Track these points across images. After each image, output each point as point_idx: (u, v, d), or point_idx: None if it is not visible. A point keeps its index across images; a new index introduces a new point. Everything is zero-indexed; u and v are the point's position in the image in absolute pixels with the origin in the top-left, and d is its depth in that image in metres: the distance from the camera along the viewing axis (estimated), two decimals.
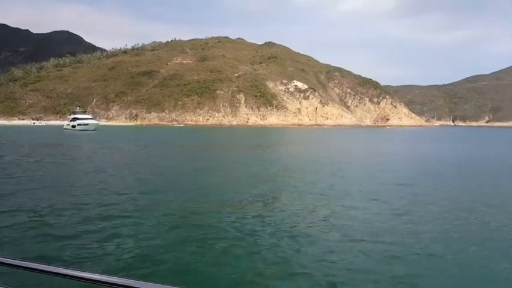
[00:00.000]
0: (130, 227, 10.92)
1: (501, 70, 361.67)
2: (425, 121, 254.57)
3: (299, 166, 26.43)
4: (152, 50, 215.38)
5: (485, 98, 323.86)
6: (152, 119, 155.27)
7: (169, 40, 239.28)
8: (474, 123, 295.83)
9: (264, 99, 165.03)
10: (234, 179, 20.22)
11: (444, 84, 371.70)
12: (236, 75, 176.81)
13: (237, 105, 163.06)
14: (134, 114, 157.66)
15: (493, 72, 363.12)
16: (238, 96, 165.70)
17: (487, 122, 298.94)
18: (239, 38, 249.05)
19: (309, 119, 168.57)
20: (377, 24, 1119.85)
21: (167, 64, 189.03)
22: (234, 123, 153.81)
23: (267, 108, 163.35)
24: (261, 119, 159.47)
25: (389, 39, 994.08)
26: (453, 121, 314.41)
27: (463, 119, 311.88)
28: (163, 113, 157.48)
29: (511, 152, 46.02)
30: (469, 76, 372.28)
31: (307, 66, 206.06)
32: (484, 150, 47.26)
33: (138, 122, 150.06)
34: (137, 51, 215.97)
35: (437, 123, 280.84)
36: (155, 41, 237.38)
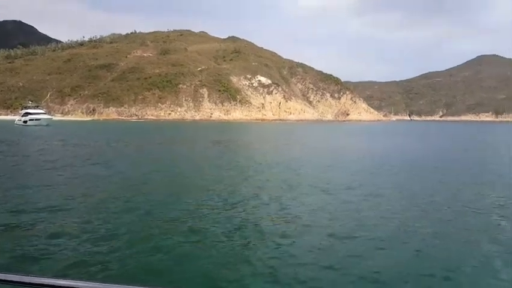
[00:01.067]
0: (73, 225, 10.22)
1: (453, 67, 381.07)
2: (383, 116, 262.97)
3: (251, 161, 26.27)
4: (110, 42, 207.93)
5: (439, 93, 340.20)
6: (111, 113, 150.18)
7: (129, 32, 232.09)
8: (429, 118, 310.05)
9: (228, 94, 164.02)
10: (183, 177, 19.70)
11: (401, 81, 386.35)
12: (199, 69, 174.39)
13: (200, 99, 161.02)
14: (91, 109, 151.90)
15: (446, 69, 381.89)
16: (201, 91, 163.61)
17: (440, 116, 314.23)
18: (202, 32, 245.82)
19: (273, 114, 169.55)
20: (338, 21, 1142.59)
21: (126, 57, 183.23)
22: (197, 118, 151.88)
23: (230, 103, 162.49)
24: (224, 114, 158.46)
25: (350, 36, 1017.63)
26: (409, 116, 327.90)
27: (419, 114, 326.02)
28: (122, 108, 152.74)
29: (441, 146, 48.15)
30: (424, 73, 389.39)
31: (270, 61, 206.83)
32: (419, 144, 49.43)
33: (95, 117, 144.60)
34: (94, 43, 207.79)
35: (395, 118, 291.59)
36: (114, 33, 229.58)
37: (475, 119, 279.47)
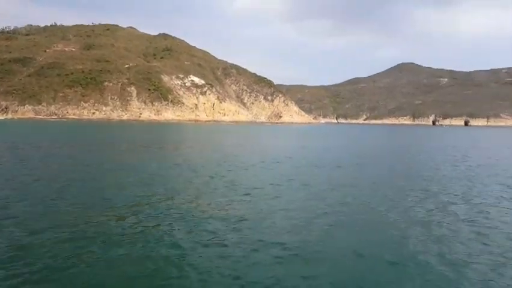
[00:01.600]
0: None
1: (376, 74, 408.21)
2: (313, 119, 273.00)
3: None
4: (27, 35, 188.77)
5: (363, 98, 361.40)
6: (27, 112, 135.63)
7: (48, 24, 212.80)
8: (354, 121, 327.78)
9: (159, 93, 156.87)
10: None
11: (329, 85, 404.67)
12: (127, 66, 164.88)
13: (128, 98, 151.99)
14: (3, 107, 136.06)
15: (370, 76, 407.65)
16: (129, 89, 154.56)
17: (364, 119, 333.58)
18: (130, 27, 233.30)
19: (207, 115, 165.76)
20: (272, 25, 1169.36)
21: (45, 51, 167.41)
22: (125, 117, 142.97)
23: (161, 102, 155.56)
24: (155, 114, 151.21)
25: (283, 40, 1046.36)
26: (336, 119, 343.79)
27: (345, 117, 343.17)
28: (40, 106, 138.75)
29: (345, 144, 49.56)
30: (350, 78, 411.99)
31: (203, 61, 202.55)
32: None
33: (9, 116, 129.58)
34: (8, 34, 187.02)
35: (323, 120, 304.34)
36: (30, 24, 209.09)
37: (395, 122, 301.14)
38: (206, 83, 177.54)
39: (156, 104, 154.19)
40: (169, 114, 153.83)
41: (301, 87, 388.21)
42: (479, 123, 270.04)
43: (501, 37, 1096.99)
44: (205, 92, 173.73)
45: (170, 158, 25.65)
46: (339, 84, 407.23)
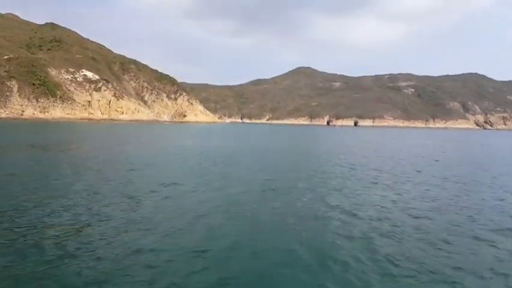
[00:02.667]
0: None
1: (278, 76, 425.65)
2: (218, 118, 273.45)
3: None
4: None
5: (266, 99, 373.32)
6: None
7: None
8: (258, 121, 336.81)
9: (45, 88, 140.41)
10: None
11: (234, 85, 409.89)
12: (6, 57, 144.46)
13: (7, 94, 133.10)
14: None
15: (272, 77, 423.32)
16: (9, 83, 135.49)
17: (267, 119, 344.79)
18: (10, 14, 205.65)
19: (102, 113, 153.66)
20: (175, 21, 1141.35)
21: None
22: (3, 115, 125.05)
23: (48, 99, 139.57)
24: (41, 112, 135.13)
25: (186, 38, 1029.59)
26: (241, 118, 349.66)
27: (249, 117, 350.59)
28: None
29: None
30: (253, 79, 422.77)
31: (98, 54, 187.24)
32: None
33: None
34: None
35: (229, 120, 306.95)
36: None
37: (294, 122, 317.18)
38: (101, 78, 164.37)
39: (42, 100, 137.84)
40: (57, 112, 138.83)
41: (206, 86, 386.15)
42: (367, 124, 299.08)
43: (384, 46, 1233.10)
44: (100, 88, 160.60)
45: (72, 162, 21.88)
46: (243, 85, 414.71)
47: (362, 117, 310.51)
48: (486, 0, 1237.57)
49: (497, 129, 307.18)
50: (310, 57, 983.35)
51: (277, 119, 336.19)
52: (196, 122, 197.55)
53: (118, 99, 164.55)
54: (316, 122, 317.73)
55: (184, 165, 22.44)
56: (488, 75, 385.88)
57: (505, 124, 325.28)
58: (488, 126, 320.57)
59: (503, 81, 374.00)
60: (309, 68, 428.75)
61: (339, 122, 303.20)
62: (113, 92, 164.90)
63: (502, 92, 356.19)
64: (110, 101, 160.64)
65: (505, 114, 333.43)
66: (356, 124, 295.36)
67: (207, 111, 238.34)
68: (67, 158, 23.82)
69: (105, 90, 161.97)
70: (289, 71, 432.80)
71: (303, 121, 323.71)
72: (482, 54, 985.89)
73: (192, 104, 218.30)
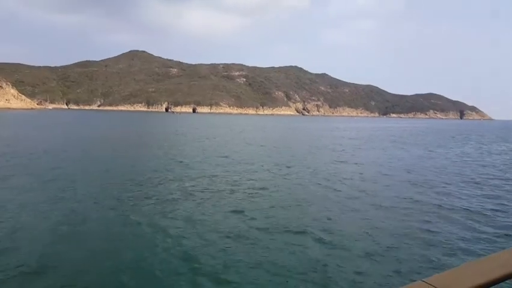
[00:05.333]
0: None
1: (109, 58, 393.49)
2: (38, 104, 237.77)
3: None
4: None
5: (96, 83, 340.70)
6: None
7: None
8: (87, 107, 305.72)
9: None
10: None
11: (56, 67, 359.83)
12: None
13: None
14: None
15: (102, 60, 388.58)
16: None
17: (98, 106, 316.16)
18: None
19: None
20: None
21: None
22: None
23: None
24: None
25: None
26: (67, 104, 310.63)
27: (77, 103, 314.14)
28: None
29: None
30: (80, 61, 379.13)
31: None
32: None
33: None
34: None
35: (51, 106, 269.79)
36: None
37: (130, 109, 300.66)
38: None
39: None
40: None
41: (19, 67, 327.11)
42: (204, 111, 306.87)
43: (219, 36, 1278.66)
44: None
45: None
46: (67, 66, 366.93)
47: (200, 104, 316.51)
48: (305, 2, 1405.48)
49: (312, 115, 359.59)
50: (145, 40, 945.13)
51: (110, 105, 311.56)
52: (8, 108, 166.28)
53: None
54: (154, 108, 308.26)
55: None
56: (305, 68, 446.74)
57: (318, 111, 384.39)
58: (306, 113, 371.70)
59: (317, 74, 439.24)
60: (145, 52, 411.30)
61: (178, 109, 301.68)
62: None
63: (315, 83, 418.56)
64: None
65: (319, 103, 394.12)
66: (194, 111, 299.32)
67: (22, 95, 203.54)
68: None
69: None
70: (122, 54, 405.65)
71: (139, 108, 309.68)
72: (301, 49, 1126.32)
73: (1, 87, 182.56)
